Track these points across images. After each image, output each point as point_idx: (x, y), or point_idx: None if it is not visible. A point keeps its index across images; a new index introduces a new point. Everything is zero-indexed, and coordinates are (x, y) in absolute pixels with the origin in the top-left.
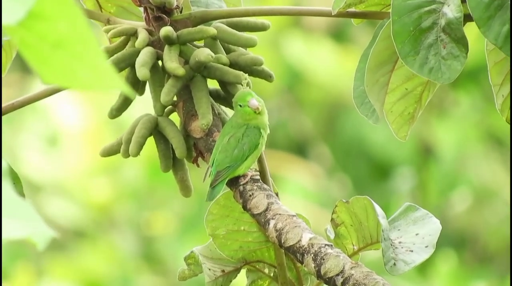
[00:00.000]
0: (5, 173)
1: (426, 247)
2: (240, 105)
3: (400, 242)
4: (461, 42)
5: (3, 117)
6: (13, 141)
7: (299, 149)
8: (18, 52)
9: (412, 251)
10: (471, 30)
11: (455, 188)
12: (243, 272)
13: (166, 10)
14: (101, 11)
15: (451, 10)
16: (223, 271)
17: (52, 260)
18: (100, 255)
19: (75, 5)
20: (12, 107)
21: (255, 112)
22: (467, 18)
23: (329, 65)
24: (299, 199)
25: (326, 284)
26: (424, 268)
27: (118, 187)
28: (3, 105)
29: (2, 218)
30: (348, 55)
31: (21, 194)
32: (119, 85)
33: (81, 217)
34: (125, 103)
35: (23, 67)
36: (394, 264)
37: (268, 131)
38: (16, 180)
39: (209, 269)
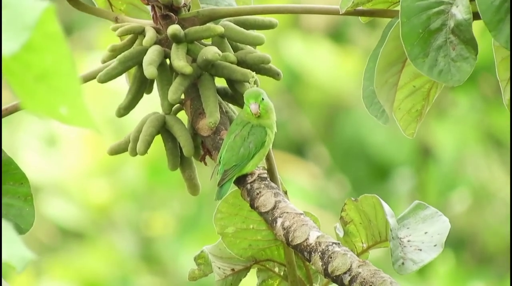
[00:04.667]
0: None
1: (435, 246)
2: (245, 103)
3: (409, 241)
4: (471, 43)
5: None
6: (12, 142)
7: (298, 149)
8: None
9: (421, 250)
10: (473, 30)
11: (454, 188)
12: (253, 270)
13: (173, 8)
14: (112, 9)
15: (460, 11)
16: (233, 269)
17: (51, 260)
18: (99, 255)
19: (63, 39)
20: (14, 109)
21: (254, 115)
22: (475, 16)
23: (328, 66)
24: (298, 199)
25: (333, 282)
26: (423, 268)
27: (117, 187)
28: (3, 107)
29: None
30: (347, 56)
31: (28, 193)
32: (93, 125)
33: (80, 217)
34: (133, 101)
35: None
36: (403, 263)
37: (275, 130)
38: (23, 179)
39: (219, 268)
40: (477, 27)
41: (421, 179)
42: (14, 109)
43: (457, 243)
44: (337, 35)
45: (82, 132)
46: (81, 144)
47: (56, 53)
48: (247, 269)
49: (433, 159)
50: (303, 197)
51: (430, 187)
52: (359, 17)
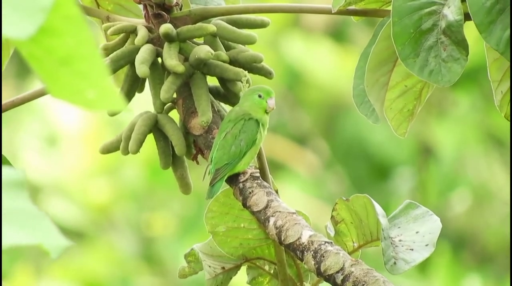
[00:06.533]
0: (21, 182)
1: (427, 245)
2: (260, 96)
3: (400, 240)
4: (462, 44)
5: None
6: (12, 142)
7: (299, 149)
8: (15, 51)
9: (412, 249)
10: (470, 31)
11: (454, 188)
12: (243, 269)
13: (165, 7)
14: (99, 9)
15: (451, 12)
16: (223, 268)
17: (51, 260)
18: (100, 255)
19: (83, 21)
20: (12, 105)
21: (266, 110)
22: (467, 16)
23: (328, 65)
24: (299, 195)
25: (326, 281)
26: (423, 267)
27: (117, 187)
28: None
29: (14, 226)
30: (347, 55)
31: None
32: (122, 106)
33: (80, 217)
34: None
35: (17, 72)
36: (395, 263)
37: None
38: None
39: (209, 266)
40: (473, 30)
41: (422, 178)
42: (12, 106)
43: (457, 242)
44: (338, 35)
45: (82, 132)
46: (81, 144)
47: (78, 36)
48: (237, 268)
49: (434, 158)
50: (303, 192)
51: (431, 186)
52: (352, 16)
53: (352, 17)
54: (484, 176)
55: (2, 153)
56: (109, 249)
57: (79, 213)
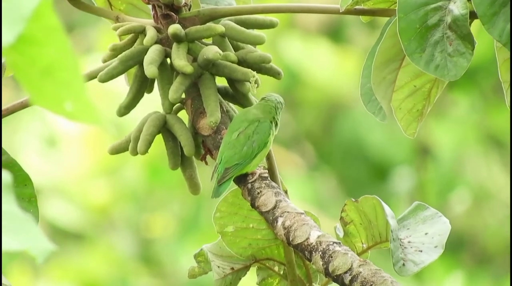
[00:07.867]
0: (7, 185)
1: (436, 247)
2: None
3: (409, 242)
4: (467, 39)
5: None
6: (12, 142)
7: (296, 148)
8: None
9: (421, 251)
10: (471, 29)
11: (453, 189)
12: (252, 269)
13: (174, 8)
14: (111, 9)
15: (457, 7)
16: (232, 268)
17: (50, 261)
18: (99, 256)
19: (63, 32)
20: (21, 106)
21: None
22: (472, 16)
23: (326, 65)
24: (296, 195)
25: (334, 281)
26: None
27: (117, 188)
28: (10, 104)
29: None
30: (345, 55)
31: (32, 195)
32: (97, 120)
33: (80, 218)
34: (133, 101)
35: None
36: (403, 264)
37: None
38: (27, 181)
39: (218, 267)
40: (474, 26)
41: (420, 179)
42: (15, 109)
43: (456, 243)
44: (336, 35)
45: (82, 133)
46: (81, 145)
47: (58, 47)
48: (246, 268)
49: (433, 159)
50: (301, 193)
51: (429, 187)
52: (360, 16)
53: (360, 17)
54: (483, 177)
55: (8, 153)
56: (108, 250)
57: (79, 214)
